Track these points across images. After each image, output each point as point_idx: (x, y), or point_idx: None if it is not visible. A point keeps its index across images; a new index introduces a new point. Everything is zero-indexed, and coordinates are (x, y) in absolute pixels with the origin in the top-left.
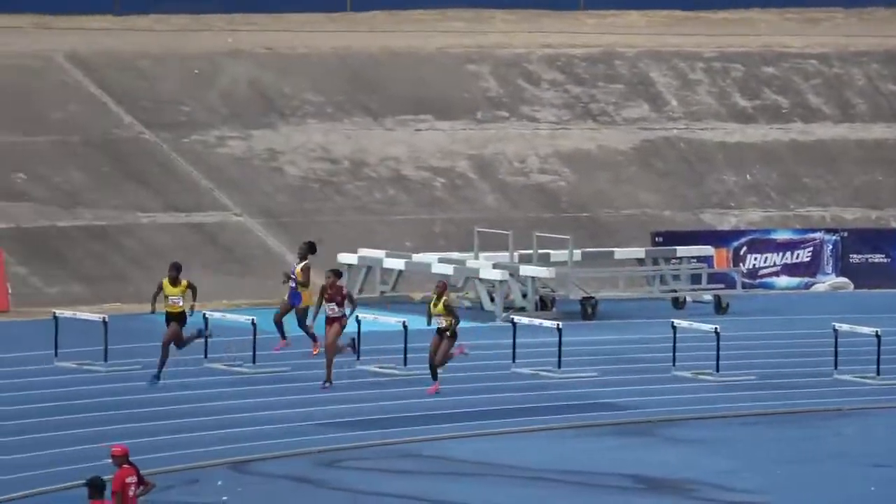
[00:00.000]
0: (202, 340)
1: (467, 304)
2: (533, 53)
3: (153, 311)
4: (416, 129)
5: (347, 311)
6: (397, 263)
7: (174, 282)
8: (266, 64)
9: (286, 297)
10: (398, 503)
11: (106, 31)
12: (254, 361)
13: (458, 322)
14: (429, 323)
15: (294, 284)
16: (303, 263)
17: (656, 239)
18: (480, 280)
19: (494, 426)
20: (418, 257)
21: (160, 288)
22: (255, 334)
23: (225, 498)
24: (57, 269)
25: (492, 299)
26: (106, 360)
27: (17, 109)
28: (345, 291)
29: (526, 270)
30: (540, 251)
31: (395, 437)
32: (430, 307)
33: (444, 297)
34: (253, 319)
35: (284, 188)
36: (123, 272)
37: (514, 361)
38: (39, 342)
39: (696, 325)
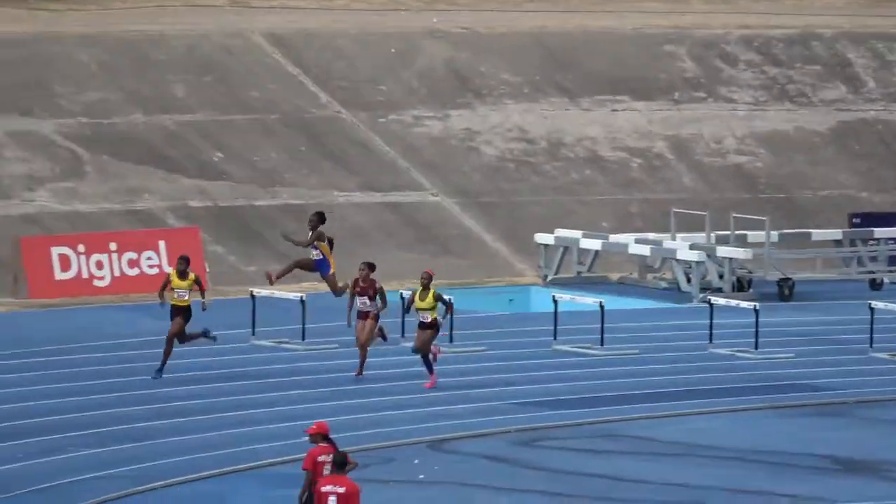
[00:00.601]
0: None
1: (664, 284)
2: (730, 34)
3: (162, 303)
4: (613, 109)
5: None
6: (594, 244)
7: (182, 275)
8: (463, 44)
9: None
10: (595, 483)
11: (303, 11)
12: (451, 341)
13: (449, 308)
14: (407, 311)
15: (321, 255)
16: (315, 233)
17: (853, 220)
18: (677, 261)
19: (692, 407)
20: (615, 238)
21: (167, 280)
22: (451, 314)
23: (421, 476)
24: (254, 248)
25: (688, 280)
26: (304, 338)
27: (216, 88)
28: (377, 286)
29: (723, 251)
30: (737, 232)
31: (592, 417)
32: (414, 299)
33: (432, 289)
34: (450, 299)
35: (481, 168)
36: None
37: (710, 342)
38: (237, 320)
39: (893, 306)
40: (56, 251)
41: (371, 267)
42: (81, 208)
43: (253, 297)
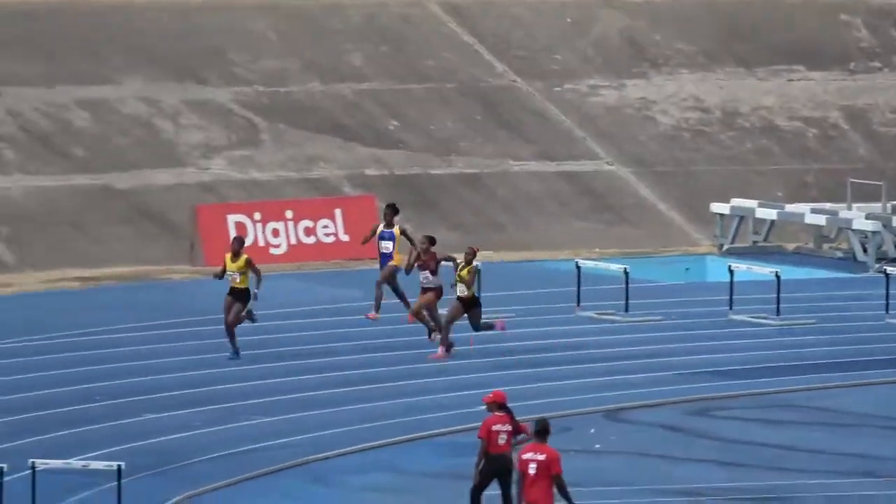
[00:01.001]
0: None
1: (840, 254)
2: None
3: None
4: (789, 78)
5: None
6: (769, 213)
7: (234, 256)
8: (638, 13)
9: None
10: (770, 453)
11: None
12: (626, 310)
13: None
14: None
15: (390, 248)
16: (397, 227)
17: None
18: (853, 231)
19: (868, 377)
20: (791, 207)
21: (224, 262)
22: (627, 283)
23: (598, 445)
24: (430, 216)
25: (864, 250)
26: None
27: (392, 57)
28: (438, 257)
29: None
30: None
31: (767, 387)
32: (458, 274)
33: (472, 265)
34: (625, 268)
35: (656, 137)
36: (496, 220)
37: (887, 312)
38: (414, 290)
39: None
40: (232, 219)
41: (431, 241)
42: (257, 176)
43: None
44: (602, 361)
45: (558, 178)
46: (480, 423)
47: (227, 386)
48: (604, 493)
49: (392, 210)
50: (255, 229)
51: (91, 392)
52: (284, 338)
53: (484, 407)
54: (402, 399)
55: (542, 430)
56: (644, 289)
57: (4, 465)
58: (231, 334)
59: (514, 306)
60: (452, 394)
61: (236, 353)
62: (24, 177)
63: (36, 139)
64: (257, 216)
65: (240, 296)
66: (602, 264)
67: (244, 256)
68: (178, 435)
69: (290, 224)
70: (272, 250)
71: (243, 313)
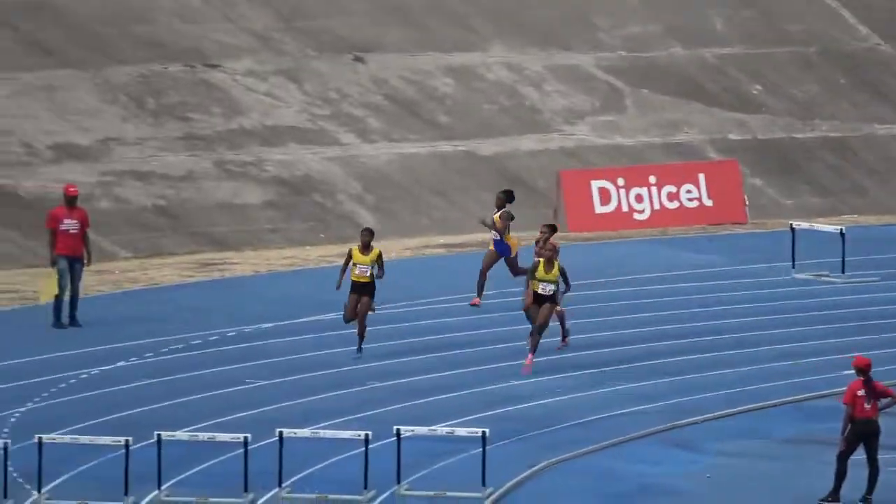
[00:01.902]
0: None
1: None
2: None
3: (339, 287)
4: None
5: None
6: None
7: (365, 248)
8: None
9: (491, 248)
10: None
11: None
12: None
13: (569, 288)
14: (523, 274)
15: (498, 235)
16: (500, 211)
17: None
18: None
19: None
20: None
21: (349, 256)
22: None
23: None
24: (793, 181)
25: None
26: (843, 271)
27: (754, 20)
28: (557, 246)
29: None
30: None
31: None
32: (538, 271)
33: (556, 262)
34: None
35: None
36: (860, 184)
37: None
38: (776, 253)
39: None
40: (595, 185)
41: (552, 230)
42: (621, 142)
43: (793, 229)
44: None
45: None
46: (845, 389)
47: (589, 352)
48: None
49: (506, 196)
50: (618, 195)
51: (437, 359)
52: (648, 303)
53: (850, 372)
54: (767, 364)
55: None
56: None
57: (369, 432)
58: (361, 329)
59: (878, 270)
60: (816, 358)
61: (360, 350)
62: (389, 144)
63: (400, 106)
64: (620, 182)
65: (365, 289)
66: None
67: (376, 249)
68: (543, 401)
69: (654, 189)
70: (636, 216)
71: (371, 306)
